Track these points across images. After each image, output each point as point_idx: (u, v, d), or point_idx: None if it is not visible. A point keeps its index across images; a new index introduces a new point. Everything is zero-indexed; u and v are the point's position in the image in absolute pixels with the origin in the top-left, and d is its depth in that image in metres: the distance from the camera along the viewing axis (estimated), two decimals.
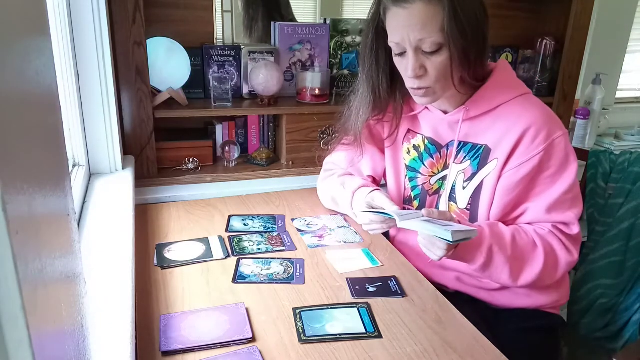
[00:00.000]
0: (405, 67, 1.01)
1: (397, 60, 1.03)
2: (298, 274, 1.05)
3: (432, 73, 0.99)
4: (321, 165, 1.42)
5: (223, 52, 1.55)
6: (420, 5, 0.94)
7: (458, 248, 0.97)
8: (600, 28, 2.21)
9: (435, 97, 1.04)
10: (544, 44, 1.80)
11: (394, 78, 1.11)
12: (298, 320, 0.90)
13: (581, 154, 1.47)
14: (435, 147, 1.16)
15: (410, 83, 1.03)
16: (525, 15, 1.87)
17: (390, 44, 1.02)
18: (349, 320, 0.90)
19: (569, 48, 1.76)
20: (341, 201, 1.28)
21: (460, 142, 1.11)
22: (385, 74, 1.10)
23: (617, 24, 2.29)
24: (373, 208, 1.13)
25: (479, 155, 1.08)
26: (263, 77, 1.49)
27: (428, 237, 0.95)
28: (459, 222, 0.98)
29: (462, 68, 0.99)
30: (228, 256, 1.11)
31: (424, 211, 0.95)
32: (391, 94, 1.14)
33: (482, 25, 0.98)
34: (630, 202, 1.36)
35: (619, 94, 2.46)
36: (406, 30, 0.96)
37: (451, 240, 0.86)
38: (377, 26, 1.05)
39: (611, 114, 2.35)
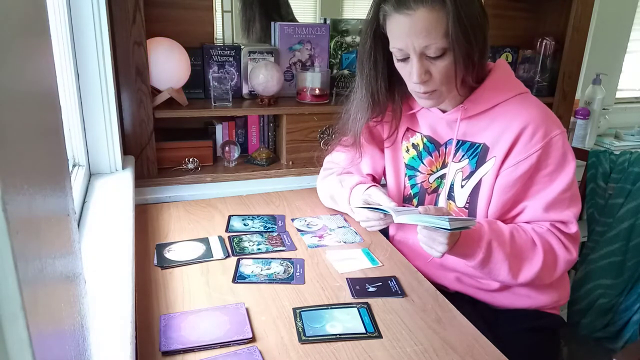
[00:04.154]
0: (408, 72, 1.00)
1: (399, 66, 1.03)
2: (298, 274, 1.06)
3: (437, 77, 0.99)
4: (321, 165, 1.42)
5: (223, 52, 1.55)
6: (424, 11, 0.93)
7: (457, 243, 0.97)
8: (600, 28, 2.21)
9: (441, 99, 1.04)
10: (544, 44, 1.80)
11: (392, 80, 1.11)
12: (298, 320, 0.90)
13: (581, 154, 1.47)
14: (433, 146, 1.16)
15: (414, 88, 1.03)
16: (525, 15, 1.87)
17: (392, 49, 1.01)
18: (349, 320, 0.90)
19: (569, 48, 1.76)
20: (339, 199, 1.28)
21: (458, 141, 1.11)
22: (383, 78, 1.10)
23: (617, 24, 2.29)
24: (370, 204, 1.13)
25: (477, 153, 1.09)
26: (263, 77, 1.49)
27: (428, 233, 0.95)
28: None
29: (466, 71, 0.99)
30: (228, 256, 1.11)
31: (420, 208, 0.95)
32: (390, 96, 1.14)
33: (483, 28, 0.99)
34: (630, 202, 1.36)
35: (619, 94, 2.47)
36: (410, 37, 0.96)
37: (449, 227, 0.86)
38: (375, 31, 1.04)
39: (611, 114, 2.35)
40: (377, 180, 1.33)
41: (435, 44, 0.95)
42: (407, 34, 0.96)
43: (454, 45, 0.94)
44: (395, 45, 1.00)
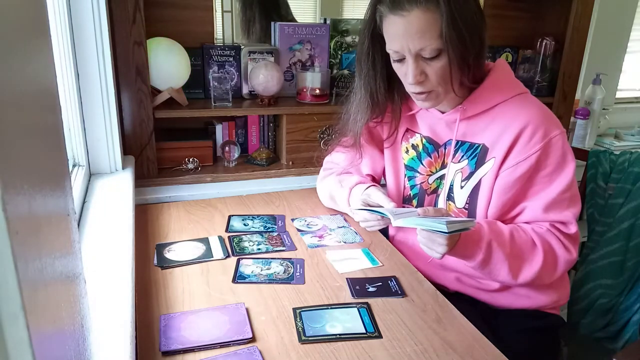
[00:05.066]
0: (405, 73, 1.01)
1: (396, 67, 1.03)
2: (298, 274, 1.06)
3: (433, 78, 0.99)
4: (321, 165, 1.42)
5: (223, 52, 1.55)
6: (418, 12, 0.93)
7: (458, 244, 0.97)
8: (600, 28, 2.21)
9: (438, 100, 1.04)
10: (544, 44, 1.80)
11: (391, 81, 1.11)
12: (298, 320, 0.90)
13: (581, 154, 1.47)
14: (433, 146, 1.16)
15: (411, 88, 1.03)
16: (525, 15, 1.87)
17: (389, 50, 1.01)
18: (349, 320, 0.90)
19: (569, 48, 1.76)
20: (339, 199, 1.28)
21: (458, 142, 1.11)
22: (382, 78, 1.10)
23: (617, 24, 2.29)
24: (369, 205, 1.13)
25: (477, 154, 1.08)
26: (263, 77, 1.49)
27: (427, 234, 0.95)
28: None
29: (461, 72, 0.99)
30: (228, 256, 1.11)
31: (419, 210, 0.95)
32: (389, 97, 1.14)
33: (479, 29, 0.98)
34: (630, 202, 1.36)
35: (619, 94, 2.46)
36: (405, 39, 0.96)
37: (446, 230, 0.86)
38: (372, 32, 1.04)
39: (611, 114, 2.35)
40: (377, 180, 1.33)
41: (430, 45, 0.95)
42: (402, 35, 0.96)
43: (448, 46, 0.94)
44: (391, 47, 1.00)
